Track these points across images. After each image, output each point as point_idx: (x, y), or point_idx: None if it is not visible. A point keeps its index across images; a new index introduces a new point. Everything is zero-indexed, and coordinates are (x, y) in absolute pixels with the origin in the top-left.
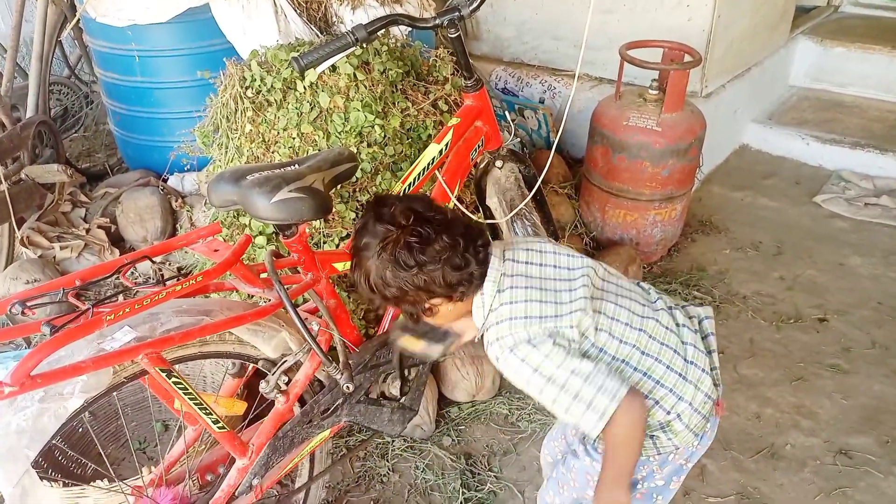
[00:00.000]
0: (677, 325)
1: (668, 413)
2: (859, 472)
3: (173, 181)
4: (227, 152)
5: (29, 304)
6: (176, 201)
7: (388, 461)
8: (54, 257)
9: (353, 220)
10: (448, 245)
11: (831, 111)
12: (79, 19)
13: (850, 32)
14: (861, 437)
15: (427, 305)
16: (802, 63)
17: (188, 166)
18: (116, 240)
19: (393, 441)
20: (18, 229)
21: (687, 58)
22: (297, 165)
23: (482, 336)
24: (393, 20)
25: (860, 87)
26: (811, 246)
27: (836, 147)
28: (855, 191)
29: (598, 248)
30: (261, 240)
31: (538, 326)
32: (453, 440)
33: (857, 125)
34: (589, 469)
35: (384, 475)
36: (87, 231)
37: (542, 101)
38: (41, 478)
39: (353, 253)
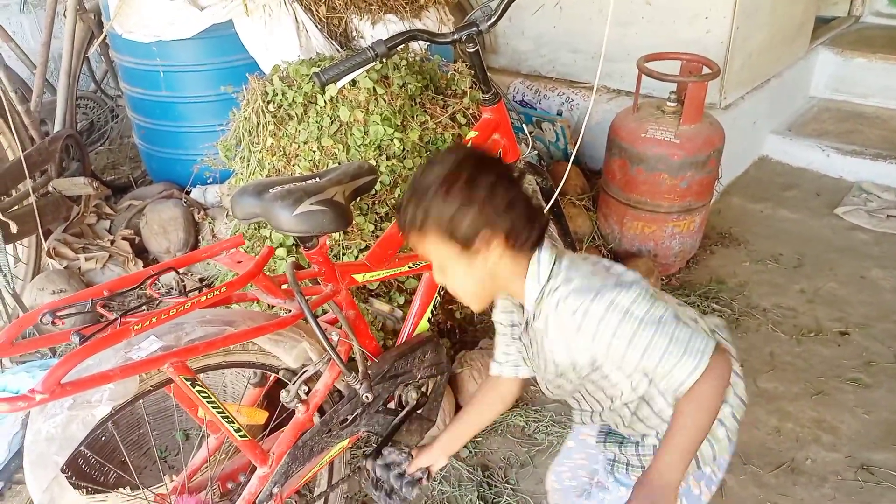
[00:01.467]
0: (711, 331)
1: None
2: (881, 489)
3: (196, 193)
4: (248, 165)
5: (58, 314)
6: (198, 213)
7: None
8: (79, 268)
9: (373, 232)
10: (507, 191)
11: (852, 122)
12: (106, 36)
13: (870, 43)
14: (883, 453)
15: (473, 233)
16: (822, 74)
17: (211, 179)
18: (140, 251)
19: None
20: (45, 241)
21: (705, 70)
22: (318, 179)
23: (532, 316)
24: (412, 36)
25: (881, 98)
26: (832, 258)
27: (858, 158)
28: (876, 202)
29: (615, 259)
30: (282, 251)
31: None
32: (470, 452)
33: (878, 136)
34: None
35: None
36: (112, 242)
37: (559, 114)
38: (71, 484)
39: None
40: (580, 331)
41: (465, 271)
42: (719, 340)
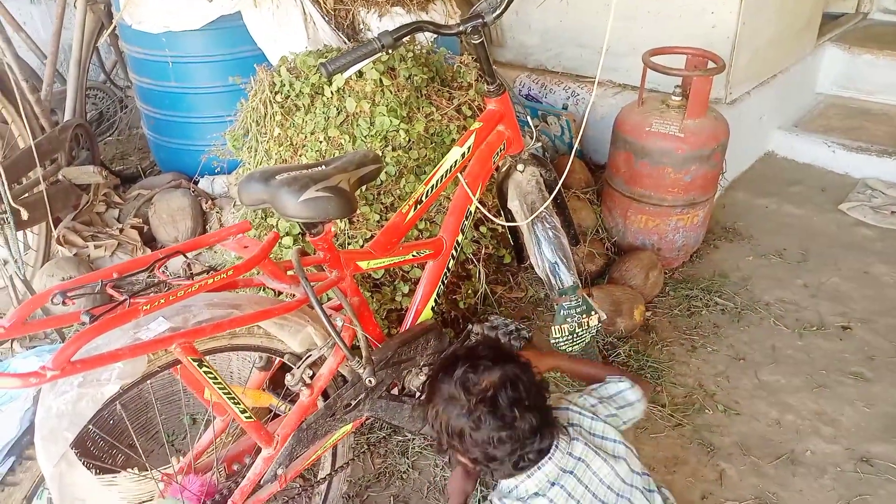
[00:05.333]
0: None
1: None
2: (880, 480)
3: (204, 183)
4: (256, 155)
5: (69, 294)
6: (206, 203)
7: (408, 458)
8: (88, 256)
9: (378, 221)
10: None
11: (858, 119)
12: (115, 26)
13: (878, 40)
14: (883, 445)
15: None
16: (830, 70)
17: (218, 169)
18: (148, 240)
19: (413, 439)
20: (55, 228)
21: (710, 64)
22: (323, 166)
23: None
24: (418, 27)
25: (888, 94)
26: (836, 254)
27: (863, 155)
28: (881, 199)
29: (618, 252)
30: (287, 241)
31: None
32: None
33: (884, 133)
34: None
35: (404, 472)
36: (121, 231)
37: (565, 108)
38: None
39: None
40: None
41: None
42: None
